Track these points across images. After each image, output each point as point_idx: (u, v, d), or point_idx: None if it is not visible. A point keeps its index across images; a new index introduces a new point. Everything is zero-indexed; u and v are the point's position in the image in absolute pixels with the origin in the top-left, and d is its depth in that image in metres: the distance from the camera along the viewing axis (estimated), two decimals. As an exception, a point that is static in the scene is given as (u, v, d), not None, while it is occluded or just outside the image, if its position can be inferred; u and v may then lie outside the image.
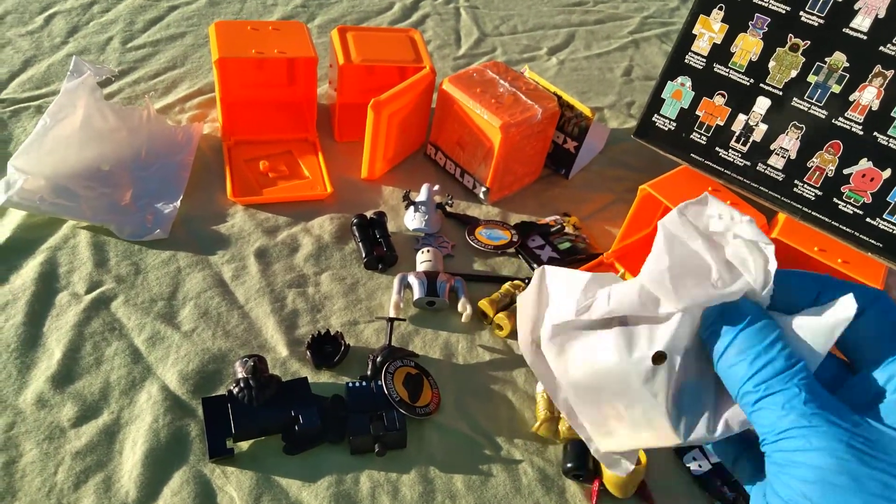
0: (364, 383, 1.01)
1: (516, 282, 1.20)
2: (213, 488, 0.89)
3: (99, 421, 0.93)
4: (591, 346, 0.45)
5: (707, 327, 0.41)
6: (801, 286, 0.43)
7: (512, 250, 1.29)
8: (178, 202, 1.22)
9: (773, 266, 0.41)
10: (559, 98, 1.36)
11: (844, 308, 0.39)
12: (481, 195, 1.37)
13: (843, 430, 0.36)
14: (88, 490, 0.86)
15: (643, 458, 0.95)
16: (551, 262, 1.27)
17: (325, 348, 1.06)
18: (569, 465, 0.96)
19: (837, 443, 0.36)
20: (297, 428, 0.93)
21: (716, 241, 0.43)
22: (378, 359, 1.04)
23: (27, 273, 1.08)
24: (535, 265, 1.26)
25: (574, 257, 1.29)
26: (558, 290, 0.48)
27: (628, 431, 0.45)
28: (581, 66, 1.84)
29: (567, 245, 1.31)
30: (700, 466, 1.01)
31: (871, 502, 0.35)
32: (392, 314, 1.10)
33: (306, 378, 0.99)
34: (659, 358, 0.42)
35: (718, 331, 0.41)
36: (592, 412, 0.47)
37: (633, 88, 1.79)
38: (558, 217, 1.37)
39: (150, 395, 0.96)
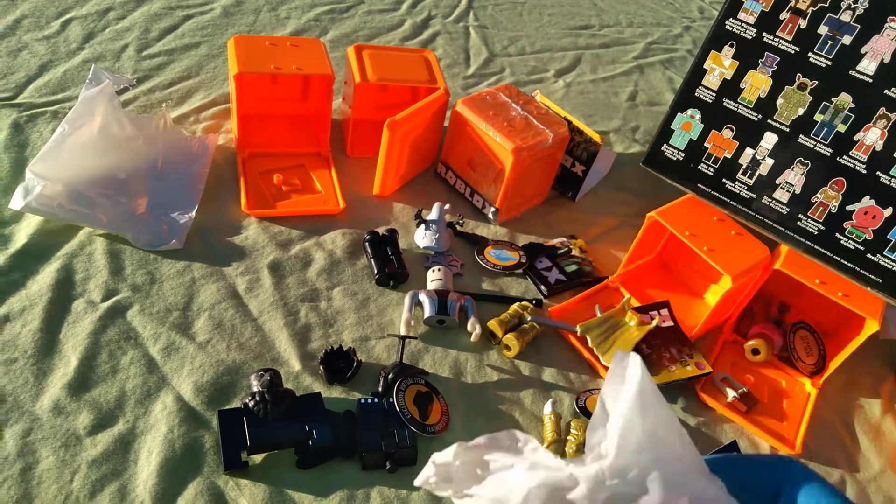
0: (375, 400, 1.03)
1: (524, 303, 1.22)
2: (226, 500, 0.90)
3: (115, 429, 0.94)
4: None
5: None
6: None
7: (520, 271, 1.31)
8: (194, 212, 1.23)
9: None
10: (569, 123, 1.39)
11: None
12: (490, 215, 1.39)
13: None
14: (104, 499, 0.87)
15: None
16: (558, 283, 1.30)
17: (338, 363, 1.07)
18: (574, 486, 0.98)
19: None
20: (310, 442, 0.95)
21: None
22: (390, 376, 1.06)
23: (44, 279, 1.09)
24: (542, 286, 1.29)
25: (580, 280, 1.32)
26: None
27: None
28: (587, 90, 1.88)
29: (574, 268, 1.33)
30: (700, 491, 1.04)
31: None
32: (403, 331, 1.12)
33: (320, 393, 1.00)
34: None
35: None
36: None
37: (637, 113, 1.83)
38: (565, 239, 1.40)
39: (165, 406, 0.98)
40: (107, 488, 0.88)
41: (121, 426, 0.95)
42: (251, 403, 0.95)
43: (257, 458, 0.95)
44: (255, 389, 0.97)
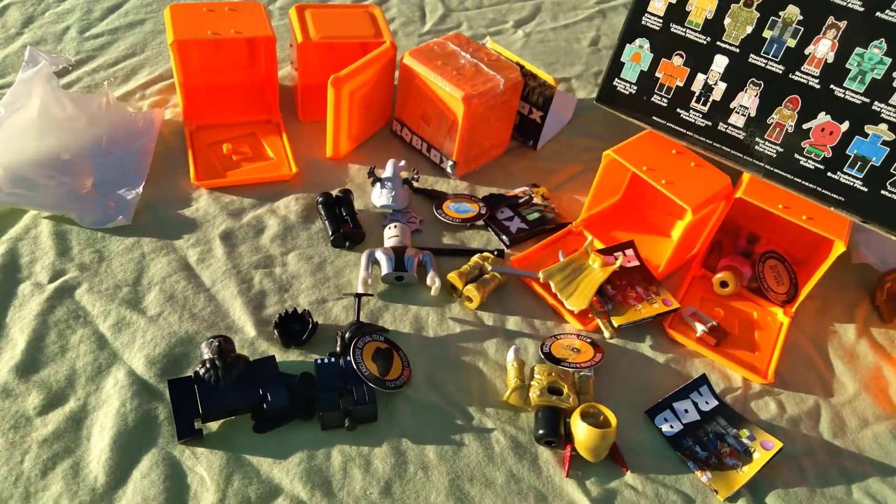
0: (333, 359, 1.01)
1: (485, 254, 1.20)
2: (182, 469, 0.89)
3: (65, 408, 0.93)
4: None
5: None
6: None
7: (480, 223, 1.28)
8: (141, 188, 1.21)
9: None
10: (522, 67, 1.35)
11: None
12: (449, 169, 1.36)
13: None
14: (56, 477, 0.86)
15: (613, 422, 0.96)
16: (520, 232, 1.27)
17: (293, 327, 1.05)
18: (541, 431, 0.96)
19: None
20: (265, 406, 0.93)
21: None
22: (346, 335, 1.03)
23: (-12, 265, 1.07)
24: (503, 236, 1.26)
25: (543, 227, 1.29)
26: None
27: None
28: (548, 38, 1.83)
29: (536, 215, 1.31)
30: (672, 427, 1.02)
31: None
32: (360, 290, 1.10)
33: (274, 356, 0.98)
34: None
35: None
36: None
37: (600, 58, 1.79)
38: (527, 188, 1.37)
39: (116, 381, 0.96)
40: (59, 466, 0.87)
41: (72, 404, 0.93)
42: (202, 371, 0.93)
43: (213, 425, 0.93)
44: (205, 357, 0.95)
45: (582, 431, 0.94)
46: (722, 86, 1.15)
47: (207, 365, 0.93)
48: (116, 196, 1.19)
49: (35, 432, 0.90)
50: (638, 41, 1.21)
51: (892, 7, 0.98)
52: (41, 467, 0.86)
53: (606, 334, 1.10)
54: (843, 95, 1.05)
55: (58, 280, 1.07)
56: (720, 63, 1.14)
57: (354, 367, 0.98)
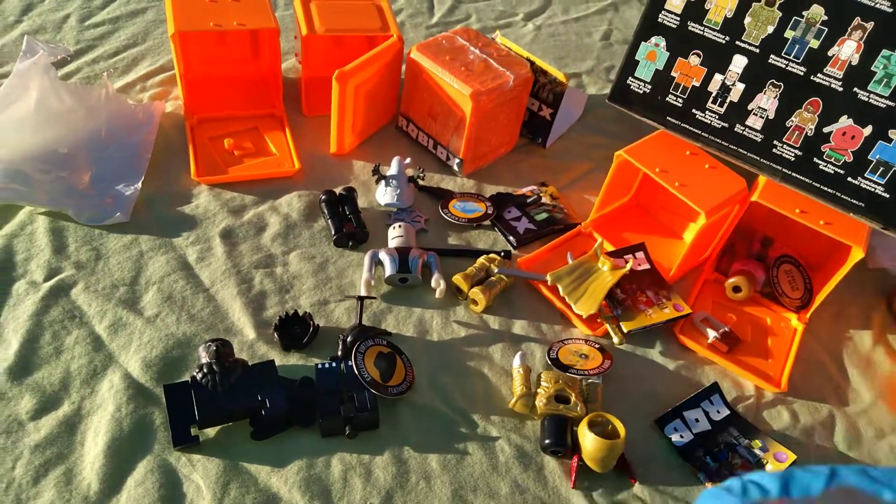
0: (334, 364, 0.98)
1: (491, 255, 1.16)
2: (178, 477, 0.86)
3: (59, 412, 0.90)
4: None
5: None
6: None
7: (487, 223, 1.25)
8: (140, 184, 1.18)
9: None
10: (532, 64, 1.31)
11: None
12: (455, 167, 1.33)
13: None
14: (48, 484, 0.83)
15: (622, 433, 0.93)
16: (528, 233, 1.24)
17: (294, 330, 1.03)
18: (547, 441, 0.94)
19: None
20: (263, 413, 0.90)
21: None
22: (348, 339, 1.01)
23: (-18, 262, 1.04)
24: (510, 237, 1.23)
25: (551, 228, 1.26)
26: None
27: None
28: (558, 32, 1.79)
29: (544, 216, 1.27)
30: (682, 437, 0.99)
31: None
32: (363, 292, 1.07)
33: (273, 361, 0.96)
34: None
35: None
36: None
37: (612, 53, 1.75)
38: (535, 187, 1.33)
39: (112, 384, 0.93)
40: (51, 473, 0.84)
41: (66, 408, 0.91)
42: (199, 376, 0.90)
43: (211, 431, 0.91)
44: (203, 361, 0.92)
45: (589, 442, 0.91)
46: (740, 87, 1.11)
47: (205, 370, 0.90)
48: (115, 192, 1.16)
49: (27, 437, 0.87)
50: (654, 39, 1.17)
51: (921, 7, 0.95)
52: (33, 474, 0.84)
53: (616, 340, 1.07)
54: (867, 99, 1.02)
55: (53, 279, 1.04)
56: (739, 63, 1.10)
57: (356, 372, 0.96)
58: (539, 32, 1.78)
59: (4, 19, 1.48)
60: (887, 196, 1.05)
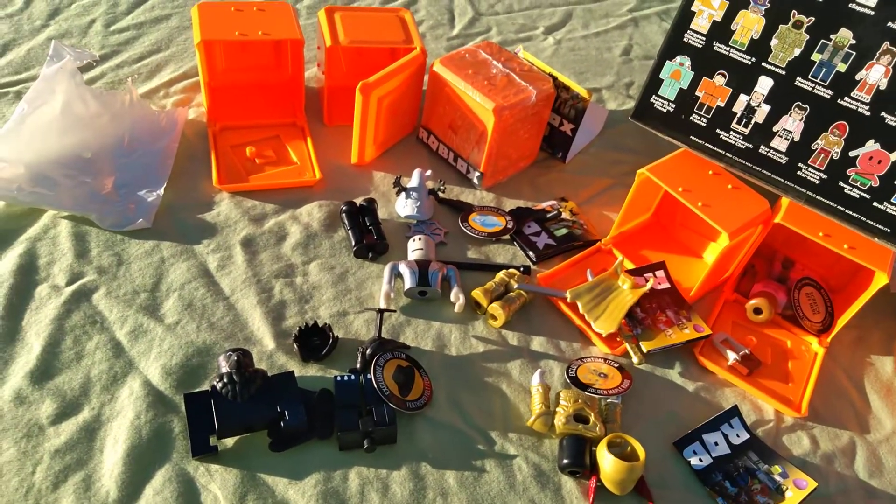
0: (353, 377, 0.98)
1: (511, 270, 1.16)
2: (196, 487, 0.86)
3: (79, 418, 0.90)
4: None
5: None
6: None
7: (507, 237, 1.25)
8: (162, 190, 1.18)
9: None
10: (554, 79, 1.32)
11: None
12: (475, 180, 1.33)
13: None
14: (68, 490, 0.83)
15: (641, 455, 0.92)
16: (547, 248, 1.23)
17: (313, 341, 1.03)
18: (565, 461, 0.93)
19: None
20: (283, 424, 0.90)
21: None
22: (367, 351, 1.01)
23: (5, 265, 1.05)
24: (530, 252, 1.22)
25: (571, 244, 1.25)
26: None
27: None
28: (578, 46, 1.79)
29: (564, 231, 1.27)
30: (701, 461, 0.98)
31: None
32: (382, 305, 1.07)
33: (293, 372, 0.95)
34: None
35: None
36: None
37: (632, 68, 1.74)
38: (555, 202, 1.33)
39: (132, 391, 0.94)
40: (70, 479, 0.84)
41: (85, 414, 0.91)
42: (219, 385, 0.90)
43: (229, 441, 0.91)
44: (223, 371, 0.92)
45: (608, 463, 0.91)
46: (765, 108, 1.11)
47: (225, 379, 0.90)
48: (137, 198, 1.17)
49: (48, 442, 0.87)
50: (679, 58, 1.17)
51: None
52: (53, 479, 0.84)
53: (635, 360, 1.07)
54: (895, 124, 1.01)
55: (75, 283, 1.05)
56: (764, 85, 1.10)
57: (375, 386, 0.95)
58: (559, 47, 1.78)
59: (32, 23, 1.50)
60: (913, 222, 1.04)
